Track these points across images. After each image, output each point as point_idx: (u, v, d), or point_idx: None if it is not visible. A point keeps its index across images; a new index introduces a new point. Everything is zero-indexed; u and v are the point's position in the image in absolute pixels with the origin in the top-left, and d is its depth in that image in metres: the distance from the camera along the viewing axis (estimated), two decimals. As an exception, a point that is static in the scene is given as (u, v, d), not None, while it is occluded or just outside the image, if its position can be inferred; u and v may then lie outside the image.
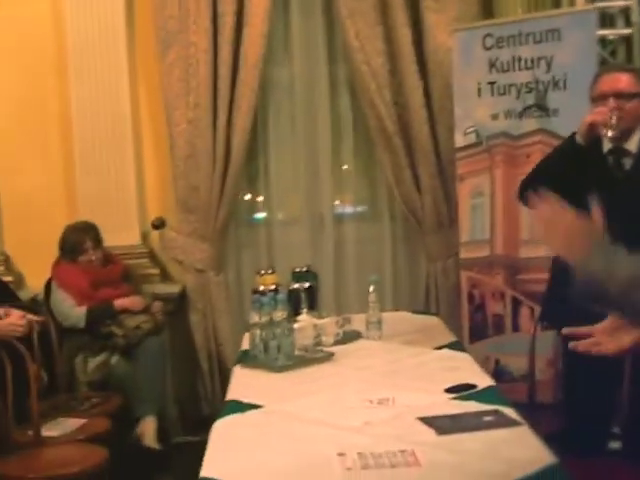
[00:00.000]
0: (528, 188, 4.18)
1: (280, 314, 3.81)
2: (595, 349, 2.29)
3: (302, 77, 6.04)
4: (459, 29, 5.36)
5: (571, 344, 2.31)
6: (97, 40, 5.80)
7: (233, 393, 3.49)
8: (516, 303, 5.21)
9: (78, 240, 5.45)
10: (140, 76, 5.98)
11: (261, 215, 6.23)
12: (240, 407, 3.26)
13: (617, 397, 3.71)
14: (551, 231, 2.15)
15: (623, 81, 3.95)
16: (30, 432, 4.26)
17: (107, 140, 5.88)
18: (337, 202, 6.23)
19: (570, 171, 3.93)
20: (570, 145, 4.01)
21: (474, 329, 5.43)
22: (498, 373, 5.23)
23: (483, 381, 3.39)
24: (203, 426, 3.10)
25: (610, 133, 3.85)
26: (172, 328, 5.89)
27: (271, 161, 6.12)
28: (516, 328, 5.23)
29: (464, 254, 5.44)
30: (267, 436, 2.94)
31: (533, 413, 4.00)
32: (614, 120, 3.84)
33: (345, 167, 6.18)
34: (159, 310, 5.58)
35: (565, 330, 2.37)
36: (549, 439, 2.87)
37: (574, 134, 3.99)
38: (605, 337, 2.30)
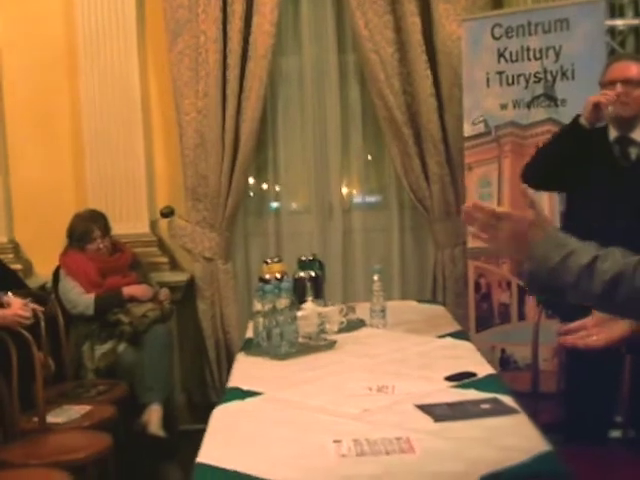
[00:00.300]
0: (531, 169, 4.18)
1: (283, 302, 3.82)
2: (582, 342, 2.29)
3: (311, 66, 6.04)
4: (468, 19, 5.35)
5: (560, 339, 2.31)
6: (107, 29, 5.81)
7: (234, 380, 3.51)
8: (522, 292, 5.20)
9: (86, 229, 5.46)
10: (150, 65, 5.99)
11: (275, 204, 6.23)
12: (240, 394, 3.28)
13: (618, 386, 3.70)
14: (495, 238, 2.14)
15: (633, 69, 3.96)
16: (35, 419, 4.29)
17: (117, 129, 5.89)
18: (346, 191, 6.23)
19: (572, 152, 3.94)
20: (573, 126, 4.01)
21: (480, 318, 5.42)
22: (504, 362, 5.24)
23: (484, 369, 3.40)
24: (210, 414, 3.10)
25: (614, 114, 3.86)
26: (180, 316, 5.92)
27: (280, 150, 6.13)
28: (522, 317, 5.23)
29: (471, 243, 5.43)
30: (265, 423, 2.95)
31: (536, 402, 4.00)
32: (618, 104, 3.85)
33: (354, 156, 6.16)
34: (166, 298, 5.60)
35: (560, 329, 2.37)
36: (552, 428, 2.87)
37: (578, 116, 3.99)
38: (596, 329, 2.29)
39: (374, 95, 5.77)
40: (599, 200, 3.92)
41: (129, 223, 5.85)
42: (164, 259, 6.06)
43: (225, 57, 5.69)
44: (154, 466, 5.16)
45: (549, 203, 4.98)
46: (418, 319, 4.47)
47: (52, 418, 4.41)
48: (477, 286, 5.46)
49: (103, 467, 4.23)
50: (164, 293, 5.61)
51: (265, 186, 6.25)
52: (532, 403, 3.81)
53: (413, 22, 5.58)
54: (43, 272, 5.85)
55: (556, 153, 4.04)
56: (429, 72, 5.63)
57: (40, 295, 5.17)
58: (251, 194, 6.25)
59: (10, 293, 4.58)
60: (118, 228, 5.65)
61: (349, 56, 6.01)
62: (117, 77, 5.87)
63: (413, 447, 2.56)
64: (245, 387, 3.36)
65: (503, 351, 5.30)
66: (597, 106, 3.89)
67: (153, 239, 6.04)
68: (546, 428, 2.76)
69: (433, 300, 5.54)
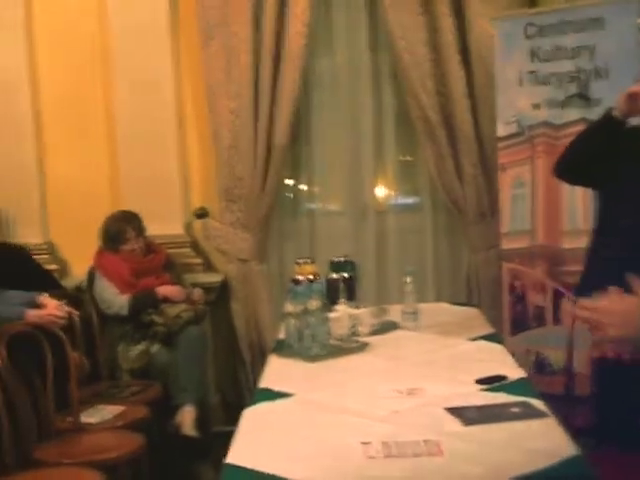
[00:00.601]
0: (562, 163, 4.12)
1: (315, 304, 3.81)
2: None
3: (345, 67, 6.05)
4: (500, 18, 5.31)
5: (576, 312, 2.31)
6: (141, 30, 5.85)
7: (265, 381, 3.52)
8: (557, 295, 5.16)
9: (120, 229, 5.50)
10: (183, 65, 6.01)
11: (309, 206, 6.23)
12: (270, 395, 3.29)
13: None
14: (612, 319, 2.16)
15: None
16: (70, 418, 4.32)
17: (151, 129, 5.93)
18: (380, 192, 6.22)
19: (603, 146, 3.88)
20: (605, 120, 3.95)
21: (515, 321, 5.39)
22: (538, 365, 5.20)
23: (515, 373, 3.37)
24: (244, 415, 3.12)
25: None
26: (214, 317, 5.94)
27: (314, 151, 6.14)
28: (557, 320, 5.17)
29: (505, 245, 5.40)
30: (294, 424, 2.95)
31: (571, 406, 3.98)
32: None
33: (388, 157, 6.14)
34: (200, 298, 5.62)
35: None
36: (585, 432, 2.85)
37: (611, 108, 3.93)
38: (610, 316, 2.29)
39: (407, 95, 5.77)
40: (631, 198, 3.87)
41: (163, 224, 5.85)
42: (198, 260, 6.08)
43: (258, 58, 5.70)
44: (187, 467, 5.18)
45: (583, 200, 4.95)
46: (450, 321, 4.45)
47: (86, 418, 4.45)
48: (512, 288, 5.43)
49: (136, 467, 4.25)
50: (197, 293, 5.64)
51: (299, 187, 6.25)
52: (566, 407, 3.79)
53: (446, 22, 5.57)
54: (78, 272, 5.90)
55: (587, 147, 3.98)
56: (463, 72, 5.61)
57: (75, 296, 5.22)
58: (287, 195, 6.25)
59: (46, 294, 4.65)
60: (152, 229, 5.67)
61: (382, 56, 6.00)
62: (150, 78, 5.91)
63: (442, 450, 2.55)
64: (275, 388, 3.36)
65: (538, 354, 5.25)
66: (632, 97, 3.83)
67: (187, 240, 6.06)
68: (580, 432, 2.74)
69: (466, 302, 5.51)
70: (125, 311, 5.41)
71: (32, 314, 4.52)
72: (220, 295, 5.99)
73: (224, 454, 2.67)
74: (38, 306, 4.62)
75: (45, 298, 4.66)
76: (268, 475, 2.47)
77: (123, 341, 5.36)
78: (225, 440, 2.84)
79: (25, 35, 5.97)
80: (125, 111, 5.94)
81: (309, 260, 4.51)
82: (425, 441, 2.62)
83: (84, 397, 4.64)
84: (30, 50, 5.99)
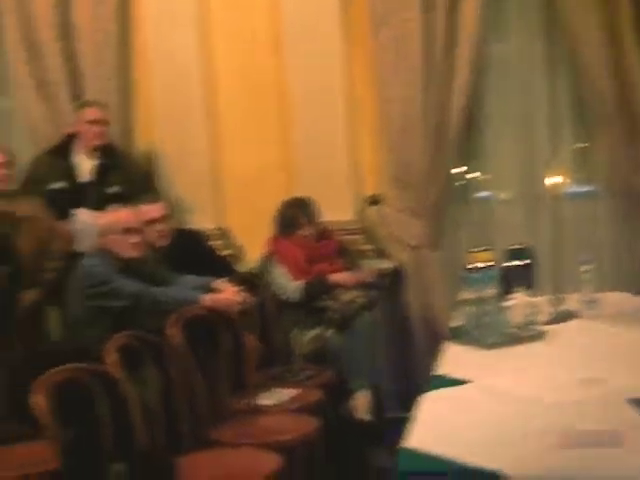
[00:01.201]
0: None
1: (491, 291, 3.79)
2: None
3: (518, 52, 5.98)
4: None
5: None
6: (311, 19, 5.95)
7: (441, 368, 3.53)
8: None
9: (294, 215, 5.58)
10: (354, 54, 6.03)
11: (483, 193, 6.18)
12: (447, 382, 3.29)
13: None
14: None
15: None
16: (245, 400, 4.41)
17: (322, 117, 6.00)
18: (555, 180, 6.10)
19: None
20: None
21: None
22: None
23: (700, 364, 3.27)
24: (417, 401, 3.11)
25: None
26: (387, 304, 5.94)
27: (487, 139, 6.08)
28: None
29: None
30: (472, 411, 2.94)
31: None
32: None
33: (563, 144, 6.03)
34: (370, 275, 5.67)
35: None
36: None
37: None
38: None
39: (583, 81, 5.64)
40: None
41: (335, 210, 5.90)
42: (368, 247, 6.11)
43: (429, 45, 5.68)
44: (361, 451, 5.20)
45: None
46: (630, 311, 4.33)
47: (262, 400, 4.52)
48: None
49: (311, 450, 4.30)
50: (368, 272, 5.67)
51: (472, 175, 6.20)
52: None
53: (623, 4, 5.42)
54: (251, 257, 6.00)
55: None
56: (641, 58, 5.46)
57: (250, 281, 5.31)
58: (458, 183, 6.20)
59: (224, 279, 4.77)
60: (325, 215, 5.73)
61: (556, 41, 5.88)
62: (322, 65, 5.99)
63: (623, 441, 2.49)
64: (452, 375, 3.36)
65: None
66: None
67: (358, 227, 6.09)
68: None
69: (645, 291, 5.37)
70: (297, 296, 5.48)
71: (208, 298, 4.64)
72: (393, 282, 6.00)
73: (397, 440, 2.68)
74: (212, 290, 4.75)
75: (222, 283, 4.79)
76: (444, 459, 2.46)
77: (297, 326, 5.43)
78: (398, 426, 2.85)
79: (200, 27, 6.13)
80: (297, 99, 6.04)
81: (485, 248, 4.48)
82: (606, 431, 2.57)
83: (259, 380, 4.72)
84: (204, 43, 6.15)
